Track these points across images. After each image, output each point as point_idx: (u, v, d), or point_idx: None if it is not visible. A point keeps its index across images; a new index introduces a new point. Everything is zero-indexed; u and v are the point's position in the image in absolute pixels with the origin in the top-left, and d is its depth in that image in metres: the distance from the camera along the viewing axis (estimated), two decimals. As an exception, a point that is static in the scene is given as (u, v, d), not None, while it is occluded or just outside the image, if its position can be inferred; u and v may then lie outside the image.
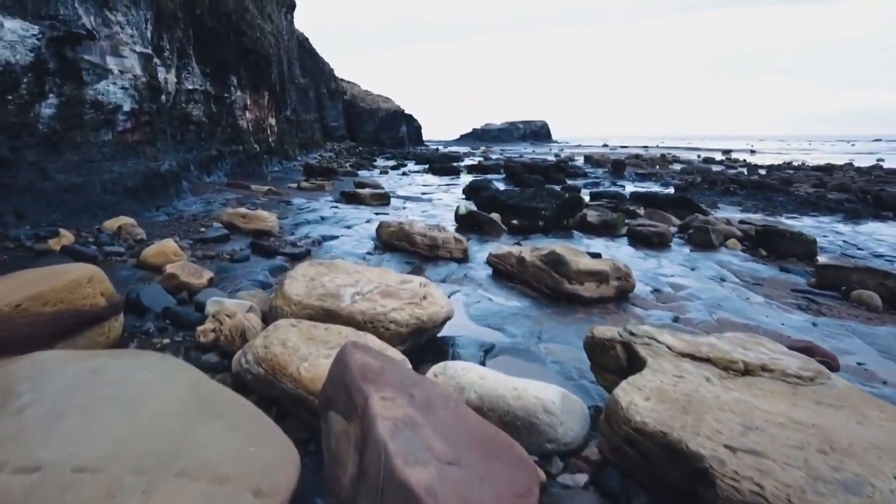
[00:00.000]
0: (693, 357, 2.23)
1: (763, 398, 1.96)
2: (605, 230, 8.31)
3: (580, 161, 29.53)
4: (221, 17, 16.42)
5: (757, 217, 10.94)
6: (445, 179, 18.96)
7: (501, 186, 13.62)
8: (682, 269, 6.23)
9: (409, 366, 2.39)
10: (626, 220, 8.84)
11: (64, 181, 5.91)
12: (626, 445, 1.81)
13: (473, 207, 9.06)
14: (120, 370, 1.56)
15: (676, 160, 33.69)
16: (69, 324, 2.27)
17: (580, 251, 5.12)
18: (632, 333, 2.41)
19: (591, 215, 8.53)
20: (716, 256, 6.99)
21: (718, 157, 39.53)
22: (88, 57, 6.54)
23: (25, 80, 5.56)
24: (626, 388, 1.96)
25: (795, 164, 31.37)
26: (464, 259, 5.96)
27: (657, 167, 26.36)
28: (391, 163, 28.60)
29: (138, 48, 7.97)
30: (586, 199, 11.74)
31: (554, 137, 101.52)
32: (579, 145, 74.01)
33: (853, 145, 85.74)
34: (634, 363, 2.30)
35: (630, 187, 16.27)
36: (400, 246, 6.04)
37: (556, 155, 38.35)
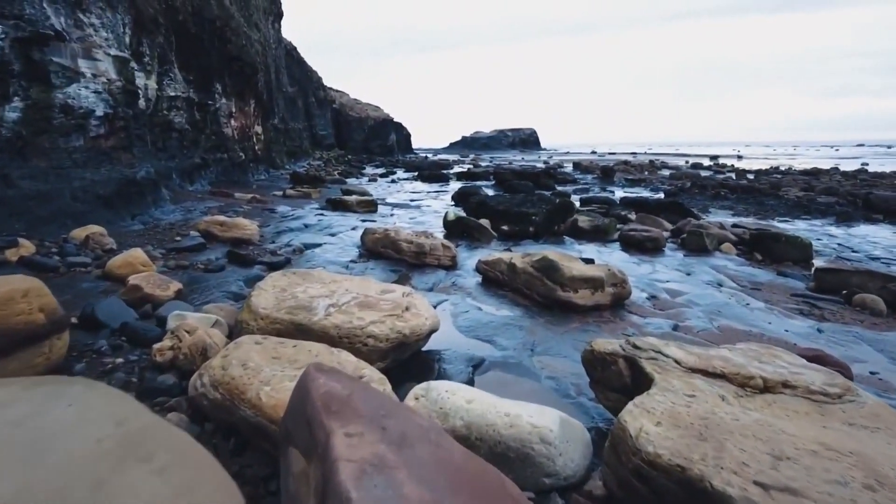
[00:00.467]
0: (705, 373, 1.99)
1: (788, 420, 1.72)
2: (597, 235, 8.11)
3: (569, 168, 29.46)
4: (205, 23, 16.15)
5: (749, 221, 10.79)
6: (434, 186, 18.75)
7: (491, 193, 13.40)
8: (678, 274, 6.02)
9: (388, 386, 2.13)
10: (618, 226, 8.65)
11: (29, 188, 5.59)
12: (636, 481, 1.56)
13: (462, 213, 8.83)
14: (30, 404, 1.29)
15: (665, 166, 33.78)
16: (-3, 344, 2.00)
17: (573, 257, 4.89)
18: (636, 347, 2.17)
19: (583, 220, 8.32)
20: (711, 261, 6.80)
21: (706, 162, 39.72)
22: (58, 59, 6.25)
23: (-13, 82, 5.27)
24: (633, 411, 1.71)
25: (782, 168, 31.54)
26: (452, 266, 5.72)
27: (646, 173, 26.34)
28: (380, 170, 28.37)
29: (113, 51, 7.69)
30: (577, 204, 11.55)
31: (543, 145, 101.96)
32: (568, 152, 74.23)
33: (837, 150, 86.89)
34: (640, 380, 2.05)
35: (620, 193, 16.13)
36: (385, 253, 5.78)
37: (545, 162, 38.31)
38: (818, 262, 7.06)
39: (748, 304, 4.85)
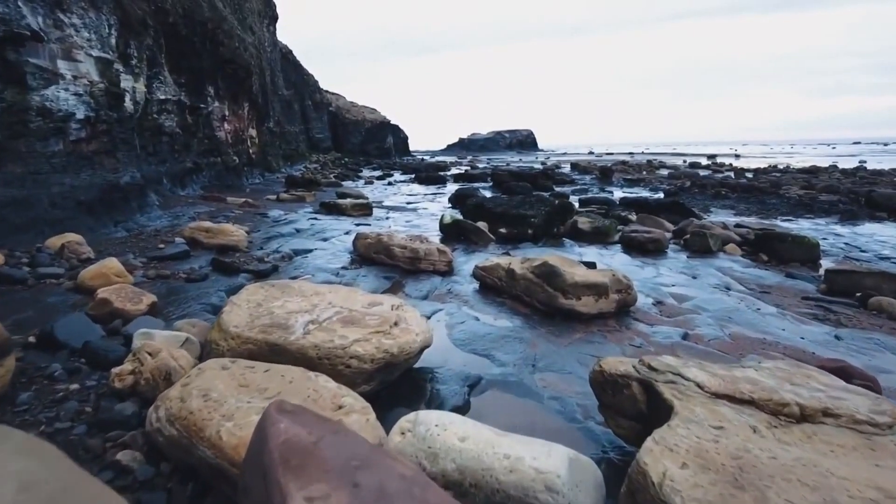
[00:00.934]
0: (731, 398, 1.74)
1: (835, 457, 1.47)
2: (598, 237, 7.86)
3: (567, 168, 29.24)
4: (196, 25, 15.90)
5: (752, 220, 10.56)
6: (432, 189, 18.52)
7: (488, 194, 13.17)
8: (683, 277, 5.78)
9: (372, 415, 1.88)
10: (619, 227, 8.41)
11: (4, 195, 5.33)
12: (661, 539, 1.31)
13: (459, 216, 8.58)
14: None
15: (663, 165, 33.60)
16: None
17: (574, 261, 4.64)
18: (651, 368, 1.92)
19: (583, 222, 8.08)
20: (716, 262, 6.56)
21: (704, 161, 39.56)
22: (35, 60, 5.99)
23: (-43, 84, 5.01)
24: (653, 449, 1.47)
25: (781, 167, 31.38)
26: (448, 272, 5.47)
27: (644, 173, 26.13)
28: (377, 173, 28.14)
29: (95, 52, 7.43)
30: (576, 205, 11.32)
31: (540, 146, 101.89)
32: (565, 153, 74.06)
33: (834, 148, 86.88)
34: (657, 408, 1.81)
35: (619, 193, 15.90)
36: (378, 259, 5.52)
37: (543, 163, 38.09)
38: (826, 263, 6.84)
39: (759, 308, 4.60)
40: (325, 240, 7.14)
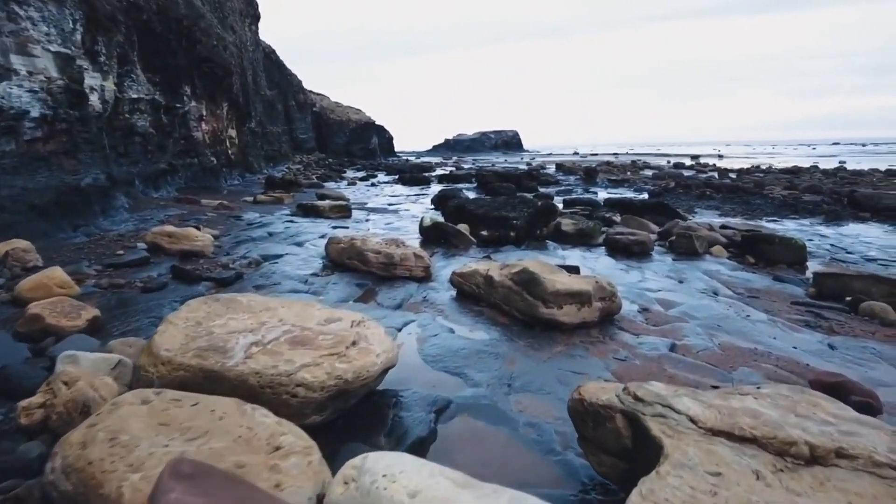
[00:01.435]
0: (730, 436, 1.50)
1: (854, 513, 1.23)
2: (582, 239, 7.65)
3: (552, 169, 29.13)
4: (171, 22, 15.48)
5: (737, 221, 10.44)
6: (415, 190, 18.25)
7: (473, 195, 12.92)
8: (669, 281, 5.58)
9: (316, 455, 1.61)
10: (603, 228, 8.21)
11: (-54, 199, 4.97)
12: None
13: (439, 218, 8.32)
14: None
15: (647, 166, 33.67)
16: None
17: (556, 268, 4.40)
18: (637, 398, 1.67)
19: (566, 224, 7.87)
20: (702, 265, 6.38)
21: (688, 162, 39.75)
22: (-17, 55, 5.63)
23: None
24: (640, 506, 1.21)
25: (763, 167, 31.56)
26: (426, 278, 5.20)
27: (628, 173, 26.10)
28: (361, 174, 27.80)
29: (54, 47, 7.05)
30: (560, 206, 11.12)
31: (525, 146, 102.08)
32: (550, 154, 74.15)
33: (814, 149, 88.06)
34: (645, 445, 1.56)
35: (603, 194, 15.75)
36: (351, 265, 5.24)
37: (528, 163, 37.99)
38: (813, 265, 6.69)
39: (748, 315, 4.40)
40: (298, 244, 6.83)
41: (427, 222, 7.53)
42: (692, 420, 1.54)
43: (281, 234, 7.66)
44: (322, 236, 7.47)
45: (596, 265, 6.25)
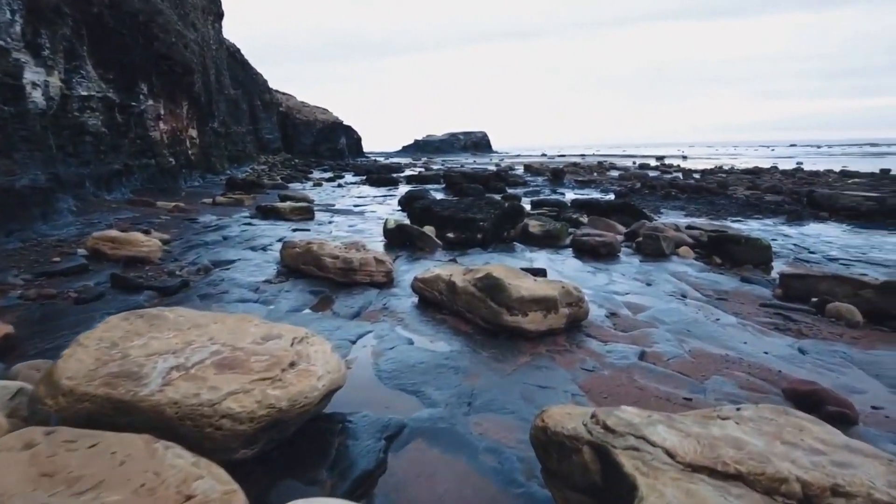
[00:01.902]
0: (712, 471, 1.31)
1: (857, 568, 1.05)
2: (549, 241, 7.53)
3: (520, 170, 29.18)
4: (126, 17, 14.85)
5: (702, 221, 10.49)
6: (382, 191, 17.96)
7: (441, 196, 12.72)
8: (637, 283, 5.46)
9: (239, 500, 1.36)
10: (570, 230, 8.11)
11: None
12: None
13: (404, 220, 8.09)
14: None
15: (613, 167, 34.09)
16: None
17: (522, 272, 4.21)
18: (607, 428, 1.47)
19: (533, 225, 7.73)
20: (669, 267, 6.30)
21: (653, 163, 40.41)
22: None
23: None
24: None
25: (726, 167, 32.28)
26: (387, 283, 4.95)
27: (595, 174, 26.33)
28: (327, 175, 27.33)
29: (-15, 39, 6.55)
30: (527, 207, 11.00)
31: (494, 148, 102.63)
32: (519, 155, 74.64)
33: (773, 150, 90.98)
34: (616, 482, 1.36)
35: (570, 195, 15.75)
36: (307, 271, 4.96)
37: (497, 164, 38.05)
38: (778, 265, 6.70)
39: (718, 318, 4.30)
40: (253, 249, 6.49)
41: (391, 224, 7.28)
42: (669, 454, 1.35)
43: (236, 237, 7.30)
44: (280, 240, 7.13)
45: (563, 267, 6.11)
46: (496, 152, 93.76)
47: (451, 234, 7.38)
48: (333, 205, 13.25)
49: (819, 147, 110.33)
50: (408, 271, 5.48)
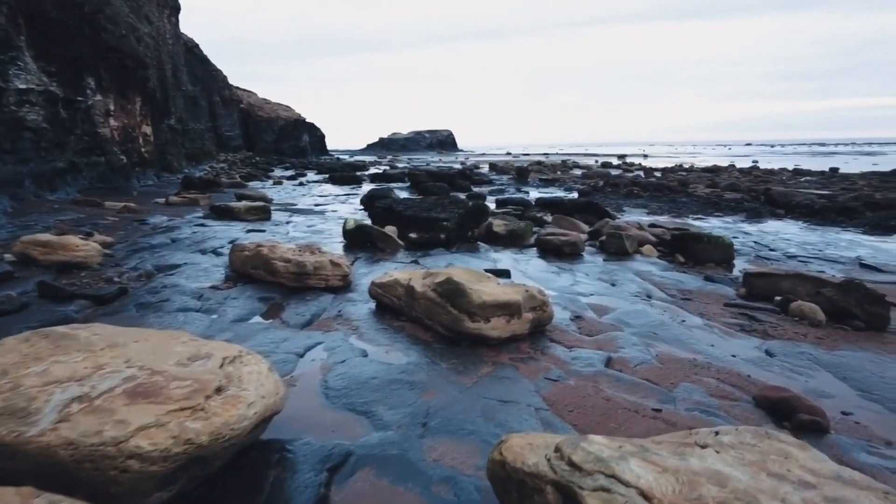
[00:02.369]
0: (693, 514, 1.14)
1: None
2: (513, 241, 7.39)
3: (485, 168, 29.14)
4: (69, 7, 14.10)
5: (665, 219, 10.56)
6: (345, 189, 17.60)
7: (405, 195, 12.47)
8: (602, 284, 5.36)
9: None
10: (535, 229, 8.00)
11: None
12: None
13: (365, 220, 7.82)
14: None
15: (577, 165, 34.46)
16: None
17: (484, 275, 4.03)
18: (573, 465, 1.28)
19: (498, 225, 7.58)
20: (633, 266, 6.24)
21: (615, 161, 41.02)
22: None
23: None
24: None
25: (686, 166, 32.98)
26: (343, 288, 4.70)
27: (559, 173, 26.51)
28: (289, 173, 26.71)
29: None
30: (492, 206, 10.87)
31: (460, 146, 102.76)
32: (484, 154, 74.83)
33: (730, 149, 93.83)
34: (583, 532, 1.17)
35: (535, 193, 15.73)
36: (258, 275, 4.66)
37: (462, 163, 37.98)
38: (740, 263, 6.73)
39: (684, 320, 4.21)
40: (203, 252, 6.12)
41: (350, 225, 7.01)
42: (645, 496, 1.17)
43: (186, 240, 6.90)
44: (233, 241, 6.79)
45: (528, 268, 5.97)
46: (462, 151, 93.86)
47: (413, 235, 7.16)
48: (293, 204, 12.85)
49: (773, 146, 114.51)
50: (367, 274, 5.23)
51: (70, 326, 2.09)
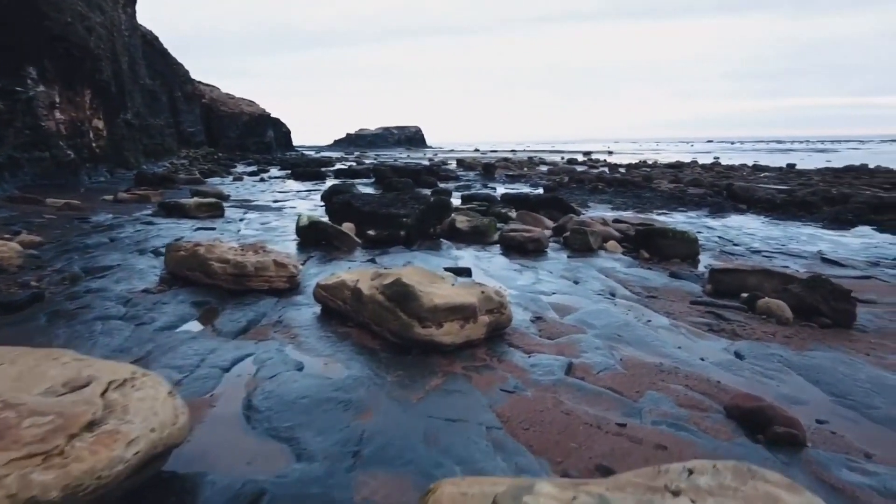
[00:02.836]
0: None
1: None
2: (477, 237, 7.14)
3: (453, 165, 28.92)
4: (6, -10, 13.26)
5: (629, 214, 10.47)
6: (308, 185, 17.10)
7: (369, 191, 12.09)
8: (565, 282, 5.14)
9: None
10: (499, 225, 7.76)
11: None
12: None
13: (322, 217, 7.45)
14: None
15: (543, 162, 34.55)
16: None
17: (439, 275, 3.74)
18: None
19: (461, 221, 7.31)
20: (597, 262, 6.06)
21: (581, 158, 41.33)
22: None
23: None
24: None
25: (650, 162, 33.38)
26: (290, 290, 4.36)
27: (525, 169, 26.46)
28: (251, 168, 25.94)
29: None
30: (457, 202, 10.60)
31: (428, 143, 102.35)
32: (452, 150, 74.68)
33: (692, 146, 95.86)
34: None
35: (501, 189, 15.56)
36: (194, 277, 4.27)
37: (430, 159, 37.71)
38: (704, 258, 6.63)
39: (649, 320, 4.01)
40: (142, 252, 5.66)
41: (303, 222, 6.64)
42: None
43: (126, 239, 6.41)
44: (178, 240, 6.34)
45: (490, 266, 5.72)
46: (430, 147, 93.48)
47: (371, 232, 6.83)
48: (251, 200, 12.34)
49: (733, 143, 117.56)
50: (318, 274, 4.89)
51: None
